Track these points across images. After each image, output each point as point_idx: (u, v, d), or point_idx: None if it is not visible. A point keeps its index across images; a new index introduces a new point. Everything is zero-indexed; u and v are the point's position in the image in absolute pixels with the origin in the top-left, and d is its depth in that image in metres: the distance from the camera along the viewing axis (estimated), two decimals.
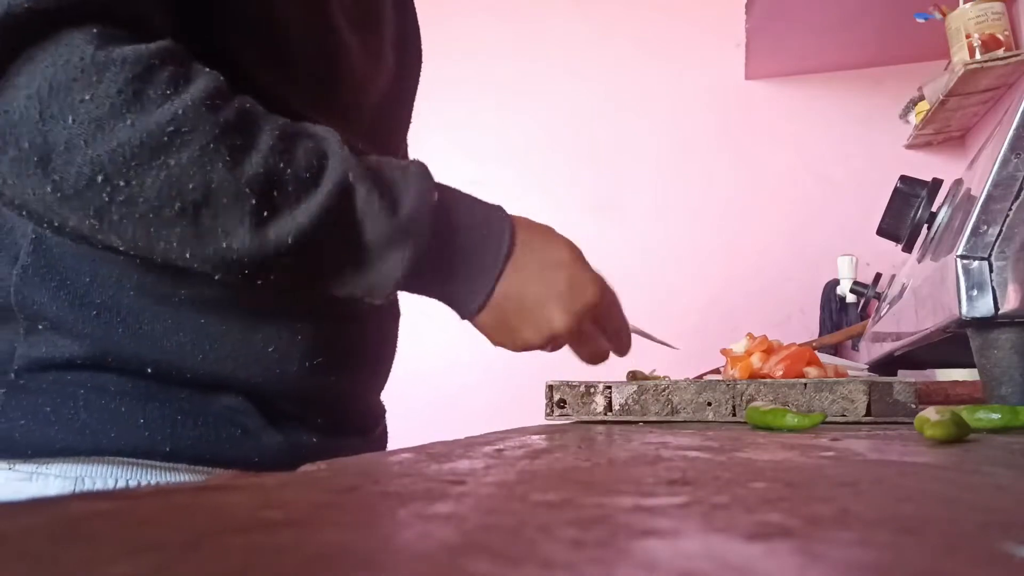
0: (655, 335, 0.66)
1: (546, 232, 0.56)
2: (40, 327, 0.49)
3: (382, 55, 0.65)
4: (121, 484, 0.48)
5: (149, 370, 0.50)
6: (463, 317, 0.54)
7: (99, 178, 0.39)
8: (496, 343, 0.56)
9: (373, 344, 0.63)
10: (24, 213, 0.41)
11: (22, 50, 0.38)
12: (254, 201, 0.42)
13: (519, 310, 0.53)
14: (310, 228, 0.44)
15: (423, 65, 0.76)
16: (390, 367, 0.68)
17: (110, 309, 0.49)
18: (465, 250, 0.52)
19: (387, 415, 0.70)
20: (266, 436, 0.53)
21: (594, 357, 0.60)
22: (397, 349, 0.68)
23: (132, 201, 0.40)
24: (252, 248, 0.43)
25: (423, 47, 0.75)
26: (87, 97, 0.39)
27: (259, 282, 0.45)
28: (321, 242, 0.45)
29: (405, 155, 0.73)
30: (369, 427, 0.65)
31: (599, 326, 0.58)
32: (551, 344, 0.56)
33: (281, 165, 0.44)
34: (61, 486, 0.47)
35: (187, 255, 0.42)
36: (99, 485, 0.48)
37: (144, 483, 0.49)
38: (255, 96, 0.46)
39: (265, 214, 0.43)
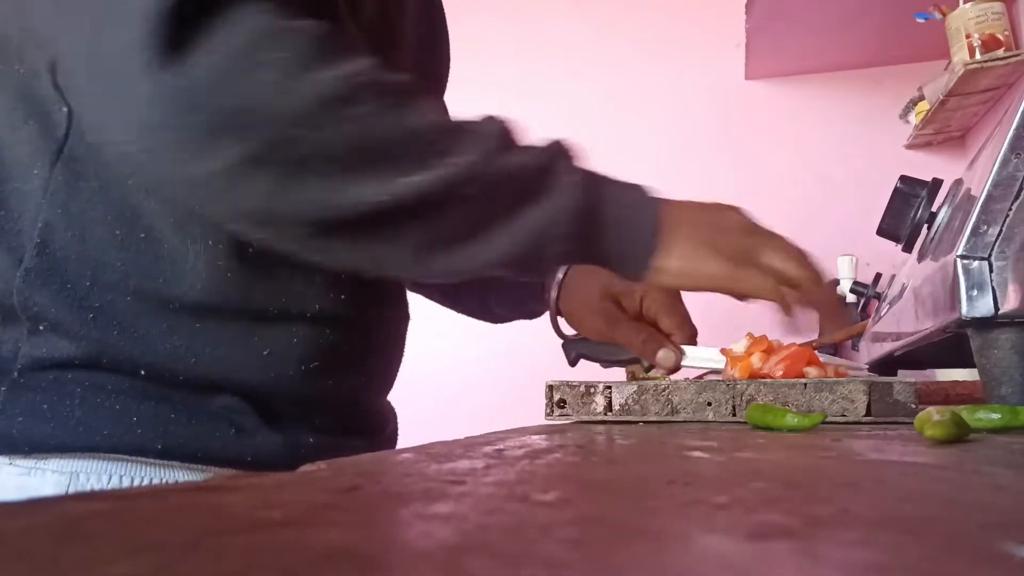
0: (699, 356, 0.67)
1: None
2: (41, 327, 0.50)
3: (403, 69, 0.66)
4: (115, 480, 0.49)
5: (142, 371, 0.50)
6: (637, 276, 0.53)
7: (292, 130, 0.41)
8: (691, 286, 0.54)
9: (376, 348, 0.63)
10: (205, 189, 0.42)
11: (204, 20, 0.40)
12: (431, 143, 0.45)
13: (699, 239, 0.52)
14: (482, 163, 0.46)
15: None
16: (396, 370, 0.67)
17: (106, 312, 0.50)
18: (620, 210, 0.51)
19: (397, 417, 0.70)
20: (262, 435, 0.53)
21: (770, 291, 0.55)
22: (404, 353, 0.68)
23: (322, 151, 0.42)
24: (432, 189, 0.44)
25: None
26: (274, 58, 0.41)
27: (437, 226, 0.46)
28: (499, 174, 0.46)
29: None
30: (374, 429, 0.65)
31: (774, 265, 0.56)
32: (729, 266, 0.53)
33: (446, 117, 0.47)
34: (57, 481, 0.48)
35: (374, 200, 0.43)
36: (93, 481, 0.49)
37: (138, 480, 0.50)
38: None
39: (442, 159, 0.45)
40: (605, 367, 0.74)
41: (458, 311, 0.79)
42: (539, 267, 0.50)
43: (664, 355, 0.66)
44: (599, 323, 0.68)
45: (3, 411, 0.48)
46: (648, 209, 0.52)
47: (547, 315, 0.78)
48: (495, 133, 0.48)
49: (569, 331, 0.73)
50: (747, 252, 0.54)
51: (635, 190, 0.53)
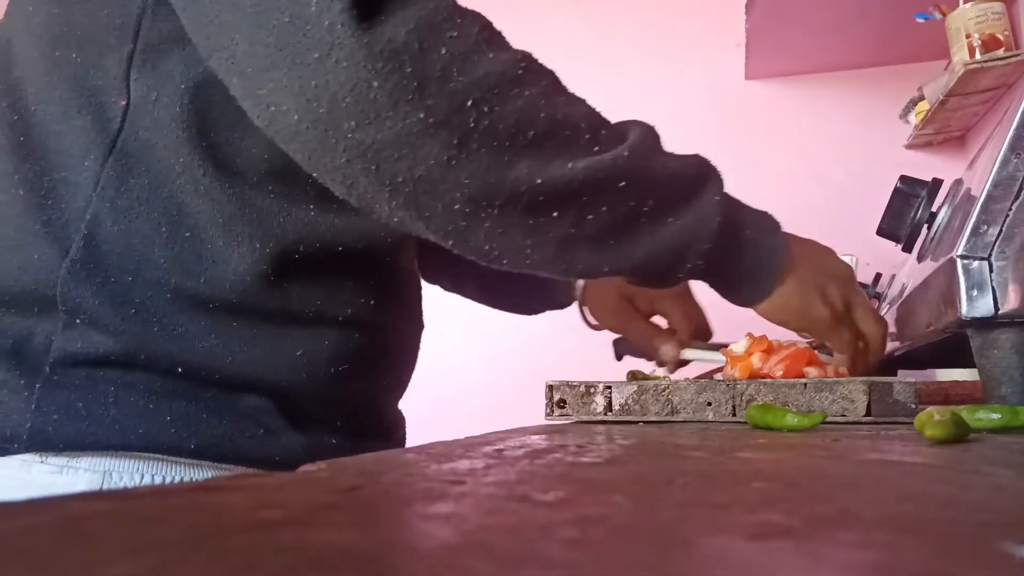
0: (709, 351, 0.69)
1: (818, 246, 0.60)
2: (78, 321, 0.49)
3: None
4: (147, 479, 0.50)
5: (179, 369, 0.50)
6: (750, 303, 0.56)
7: (468, 102, 0.42)
8: (782, 322, 0.59)
9: (396, 355, 0.64)
10: (375, 155, 0.42)
11: None
12: (588, 135, 0.46)
13: (798, 293, 0.56)
14: (639, 160, 0.47)
15: None
16: (410, 376, 0.68)
17: (148, 308, 0.50)
18: (752, 239, 0.54)
19: (406, 420, 0.70)
20: (287, 436, 0.53)
21: (849, 344, 0.60)
22: (418, 359, 0.69)
23: (493, 128, 0.43)
24: (594, 175, 0.45)
25: None
26: (455, 34, 0.43)
27: (589, 216, 0.46)
28: (653, 175, 0.47)
29: None
30: (388, 433, 0.65)
31: (860, 323, 0.61)
32: (832, 312, 0.58)
33: (599, 111, 0.48)
34: (90, 479, 0.48)
35: (538, 181, 0.44)
36: (126, 480, 0.49)
37: (170, 479, 0.50)
38: None
39: (596, 148, 0.46)
40: (649, 360, 0.76)
41: (493, 306, 0.80)
42: (670, 277, 0.51)
43: (665, 350, 0.67)
44: (613, 320, 0.70)
45: (38, 408, 0.48)
46: (778, 241, 0.54)
47: (547, 313, 0.78)
48: (649, 135, 0.49)
49: (593, 321, 0.74)
50: (846, 304, 0.59)
51: (768, 218, 0.56)
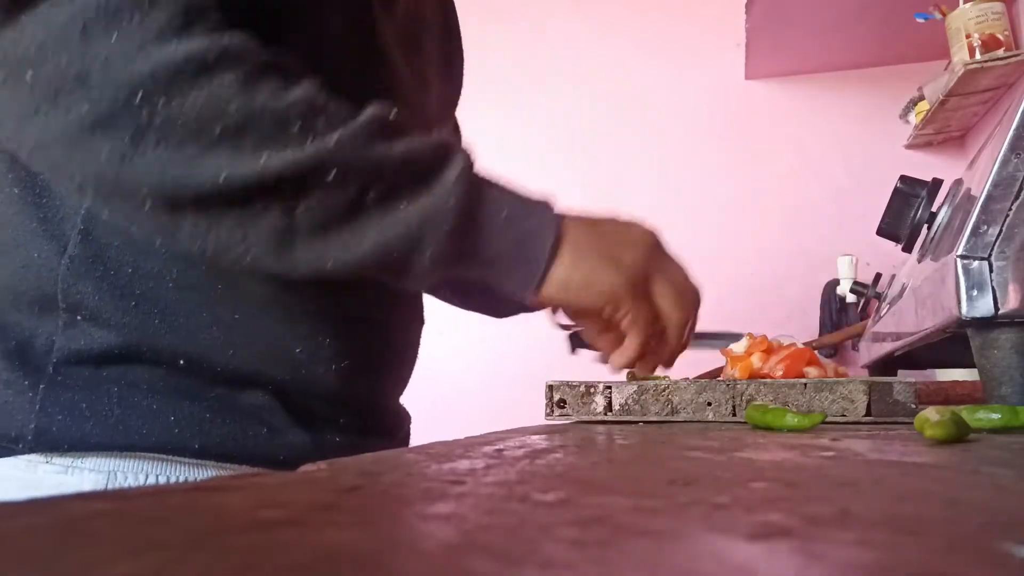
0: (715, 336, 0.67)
1: (607, 220, 0.54)
2: (79, 317, 0.49)
3: (427, 78, 0.66)
4: (152, 479, 0.49)
5: (181, 362, 0.50)
6: (520, 297, 0.50)
7: (139, 95, 0.39)
8: (568, 313, 0.54)
9: (398, 351, 0.64)
10: (46, 152, 0.40)
11: None
12: (297, 125, 0.42)
13: (577, 280, 0.50)
14: (355, 145, 0.43)
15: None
16: (411, 372, 0.68)
17: (149, 300, 0.50)
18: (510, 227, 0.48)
19: (410, 417, 0.70)
20: (292, 435, 0.53)
21: (651, 319, 0.54)
22: (418, 355, 0.68)
23: (171, 122, 0.39)
24: (294, 168, 0.41)
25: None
26: (135, 20, 0.39)
27: (300, 210, 0.43)
28: (376, 160, 0.43)
29: None
30: (392, 430, 0.65)
31: (658, 299, 0.54)
32: (628, 282, 0.51)
33: (323, 97, 0.43)
34: (95, 480, 0.48)
35: (225, 176, 0.40)
36: (131, 479, 0.49)
37: (174, 478, 0.50)
38: None
39: (308, 138, 0.42)
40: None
41: (467, 308, 0.79)
42: (412, 268, 0.46)
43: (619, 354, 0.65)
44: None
45: (42, 409, 0.48)
46: (544, 216, 0.49)
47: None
48: (376, 120, 0.44)
49: (564, 321, 0.74)
50: (646, 273, 0.52)
51: (534, 197, 0.50)
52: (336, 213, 0.43)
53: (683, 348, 0.58)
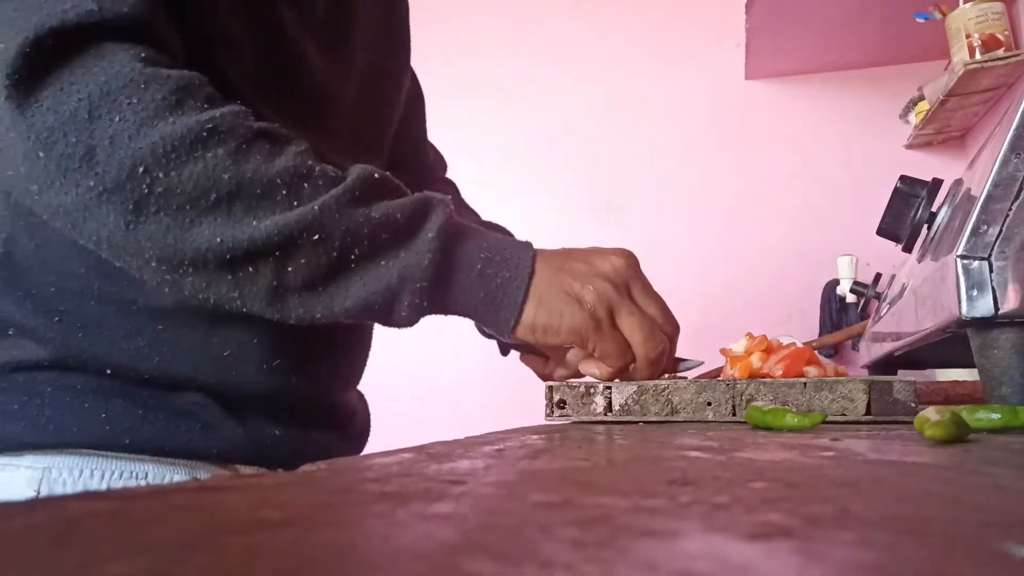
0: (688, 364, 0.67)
1: (582, 250, 0.57)
2: (10, 332, 0.52)
3: (350, 72, 0.67)
4: (87, 474, 0.52)
5: (108, 371, 0.53)
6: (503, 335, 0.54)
7: (140, 169, 0.43)
8: (547, 343, 0.55)
9: (339, 346, 0.65)
10: (64, 216, 0.44)
11: (69, 60, 0.42)
12: (284, 192, 0.46)
13: (551, 310, 0.53)
14: (338, 208, 0.46)
15: (420, 86, 0.79)
16: (362, 367, 0.69)
17: (71, 316, 0.53)
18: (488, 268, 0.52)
19: (369, 411, 0.71)
20: (226, 429, 0.55)
21: (619, 353, 0.56)
22: (370, 350, 0.69)
23: (170, 192, 0.43)
24: (281, 232, 0.45)
25: (419, 71, 0.81)
26: (134, 100, 0.43)
27: (289, 269, 0.46)
28: (358, 222, 0.47)
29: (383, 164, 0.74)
30: (342, 423, 0.66)
31: (626, 332, 0.56)
32: (591, 319, 0.53)
33: (309, 163, 0.47)
34: (30, 476, 0.51)
35: (219, 241, 0.44)
36: (65, 475, 0.51)
37: (108, 473, 0.52)
38: None
39: (295, 203, 0.46)
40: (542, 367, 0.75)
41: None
42: (394, 316, 0.50)
43: (571, 354, 0.67)
44: None
45: None
46: (519, 262, 0.52)
47: None
48: (360, 184, 0.48)
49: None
50: (609, 309, 0.54)
51: (507, 244, 0.53)
52: (322, 273, 0.47)
53: (664, 373, 0.60)
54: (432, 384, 2.25)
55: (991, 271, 0.52)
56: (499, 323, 0.53)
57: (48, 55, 0.42)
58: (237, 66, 0.54)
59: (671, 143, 2.31)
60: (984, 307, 0.52)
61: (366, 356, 0.69)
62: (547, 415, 0.65)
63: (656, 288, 0.60)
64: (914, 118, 2.02)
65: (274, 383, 0.57)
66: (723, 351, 0.71)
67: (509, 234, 0.67)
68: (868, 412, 0.56)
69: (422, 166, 0.86)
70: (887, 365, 0.92)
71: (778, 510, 0.19)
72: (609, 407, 0.63)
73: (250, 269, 0.46)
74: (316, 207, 0.46)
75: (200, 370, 0.54)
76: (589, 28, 2.43)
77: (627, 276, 0.56)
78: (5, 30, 0.41)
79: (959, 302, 0.53)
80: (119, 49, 0.43)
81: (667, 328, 0.58)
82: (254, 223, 0.45)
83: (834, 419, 0.57)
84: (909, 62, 2.13)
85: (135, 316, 0.53)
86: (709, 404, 0.61)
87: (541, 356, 0.70)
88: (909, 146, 2.12)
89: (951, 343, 0.61)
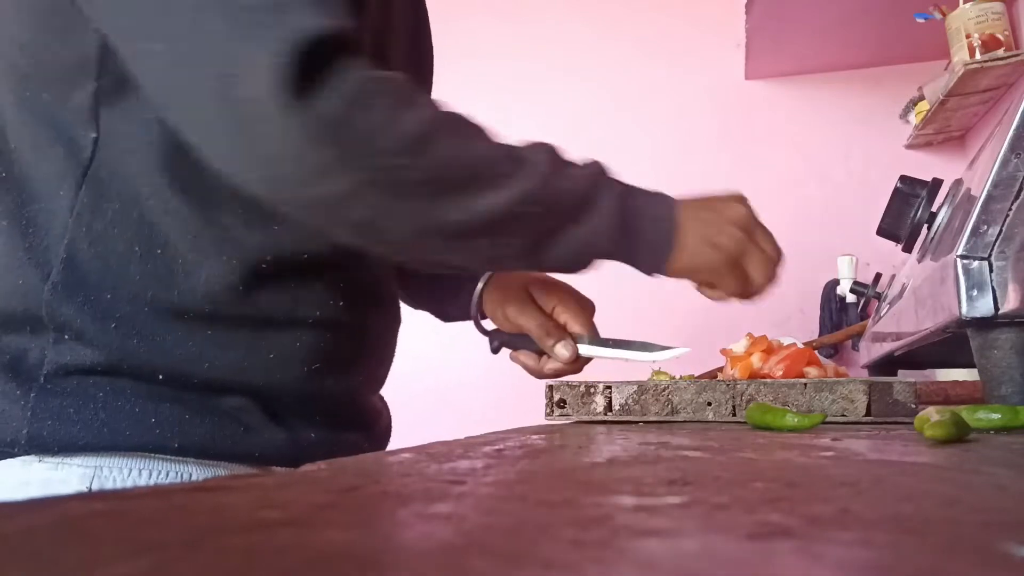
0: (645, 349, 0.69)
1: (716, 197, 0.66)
2: (66, 336, 0.54)
3: (396, 65, 0.69)
4: (135, 474, 0.54)
5: (160, 376, 0.55)
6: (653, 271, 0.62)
7: (395, 162, 0.49)
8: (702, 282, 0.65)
9: (370, 350, 0.67)
10: (332, 205, 0.49)
11: (322, 72, 0.47)
12: (503, 168, 0.53)
13: (697, 248, 0.61)
14: (540, 186, 0.54)
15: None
16: (388, 370, 0.71)
17: (128, 322, 0.54)
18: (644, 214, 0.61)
19: (390, 411, 0.72)
20: (268, 432, 0.57)
21: (741, 287, 0.64)
22: (395, 353, 0.71)
23: (419, 179, 0.50)
24: (509, 203, 0.52)
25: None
26: (380, 101, 0.49)
27: (513, 238, 0.54)
28: (553, 196, 0.55)
29: None
30: (369, 424, 0.68)
31: (749, 269, 0.64)
32: (727, 261, 0.62)
33: (508, 145, 0.55)
34: (83, 474, 0.53)
35: (464, 218, 0.51)
36: (115, 474, 0.54)
37: (156, 473, 0.55)
38: None
39: (511, 179, 0.53)
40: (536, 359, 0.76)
41: (415, 308, 0.84)
42: (580, 269, 0.60)
43: (561, 348, 0.69)
44: (511, 309, 0.73)
45: (34, 415, 0.53)
46: (667, 216, 0.62)
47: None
48: (547, 159, 0.56)
49: (489, 327, 0.76)
50: (740, 250, 0.63)
51: (658, 200, 0.62)
52: (527, 242, 0.55)
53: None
54: (432, 384, 2.25)
55: (991, 271, 0.52)
56: (657, 260, 0.61)
57: (308, 64, 0.46)
58: None
59: (671, 143, 2.31)
60: (984, 307, 0.52)
61: (392, 358, 0.72)
62: (547, 414, 0.65)
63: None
64: (914, 118, 2.02)
65: (313, 386, 0.60)
66: (723, 351, 0.71)
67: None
68: (868, 413, 0.56)
69: None
70: (887, 365, 0.93)
71: (778, 510, 0.19)
72: (609, 407, 0.63)
73: (475, 242, 0.53)
74: (527, 187, 0.53)
75: (247, 373, 0.57)
76: (589, 29, 2.43)
77: (751, 222, 0.64)
78: (253, 46, 0.46)
79: (959, 302, 0.53)
80: (349, 58, 0.48)
81: (779, 263, 0.67)
82: (489, 199, 0.52)
83: (834, 419, 0.57)
84: (909, 62, 2.12)
85: (187, 322, 0.55)
86: (709, 404, 0.61)
87: (533, 353, 0.72)
88: (909, 146, 2.12)
89: (951, 343, 0.61)
